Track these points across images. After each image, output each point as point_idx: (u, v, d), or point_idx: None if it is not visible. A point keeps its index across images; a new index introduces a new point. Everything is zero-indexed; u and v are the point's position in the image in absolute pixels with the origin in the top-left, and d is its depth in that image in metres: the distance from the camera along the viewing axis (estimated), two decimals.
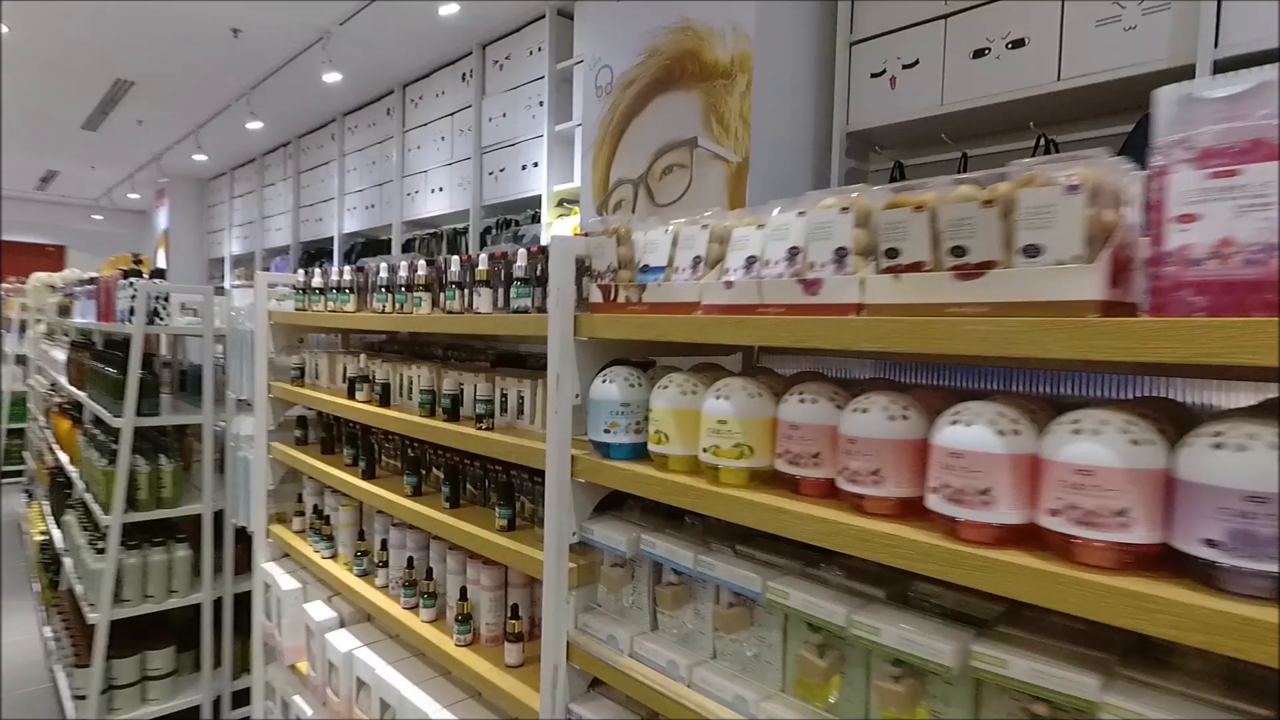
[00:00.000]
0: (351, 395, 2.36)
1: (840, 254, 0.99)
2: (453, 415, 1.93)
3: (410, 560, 2.14)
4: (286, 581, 2.66)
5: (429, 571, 2.04)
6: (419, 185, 6.09)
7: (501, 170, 5.39)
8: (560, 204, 5.02)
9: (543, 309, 1.60)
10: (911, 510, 0.97)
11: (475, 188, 5.51)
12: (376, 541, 2.31)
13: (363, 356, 2.43)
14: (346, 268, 2.43)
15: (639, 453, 1.37)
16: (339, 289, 2.46)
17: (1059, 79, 2.86)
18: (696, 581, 1.32)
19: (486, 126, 5.43)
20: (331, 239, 7.18)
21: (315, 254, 7.73)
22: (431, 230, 6.29)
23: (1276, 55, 2.34)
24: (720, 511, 1.16)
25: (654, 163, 3.73)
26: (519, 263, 1.66)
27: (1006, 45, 2.97)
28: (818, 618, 1.04)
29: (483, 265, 1.76)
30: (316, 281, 2.60)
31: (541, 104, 5.02)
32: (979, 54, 3.05)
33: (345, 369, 2.56)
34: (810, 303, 1.04)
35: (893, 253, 0.93)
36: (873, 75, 3.39)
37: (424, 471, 2.17)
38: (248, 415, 3.11)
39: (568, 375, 1.43)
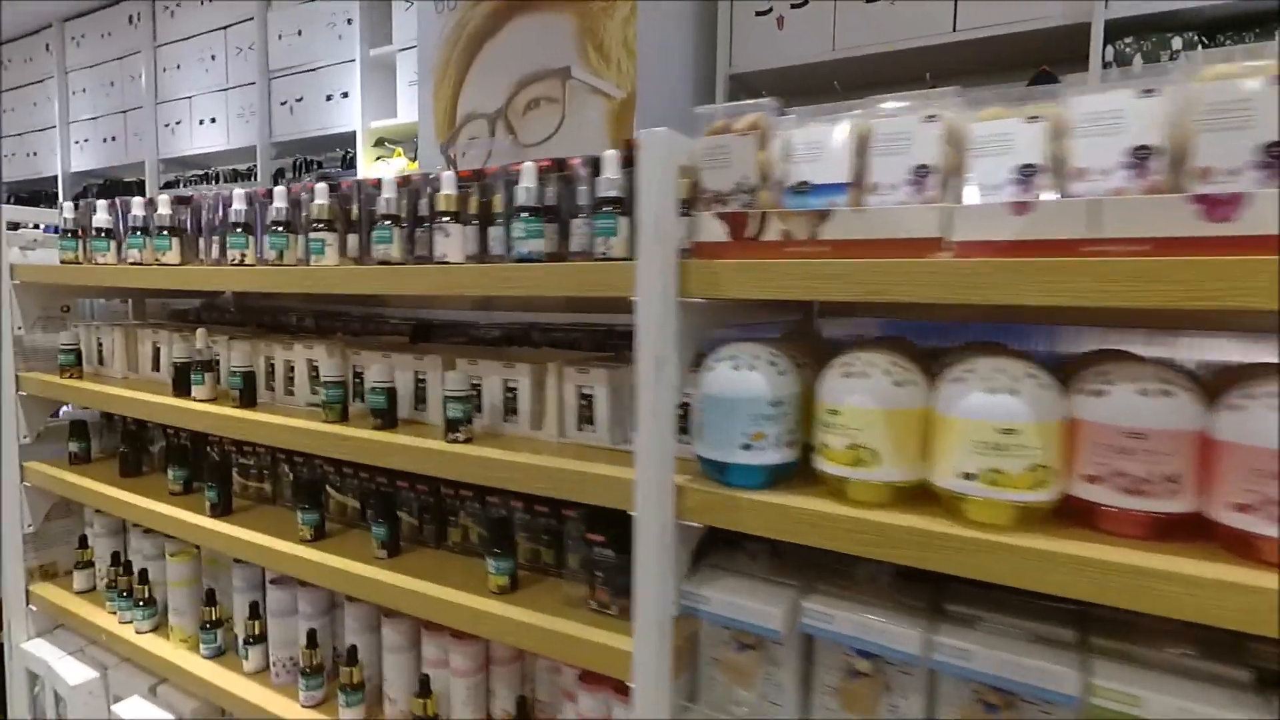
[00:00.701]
0: (184, 391, 1.62)
1: (1271, 153, 0.64)
2: (388, 420, 1.34)
3: (311, 634, 1.49)
4: (71, 669, 1.83)
5: (351, 652, 1.40)
6: (180, 115, 4.94)
7: (298, 100, 4.51)
8: (379, 143, 4.30)
9: (559, 256, 1.16)
10: None
11: (263, 120, 4.56)
12: (240, 605, 1.60)
13: (195, 333, 1.67)
14: (162, 198, 1.72)
15: (782, 476, 0.93)
16: (148, 230, 1.71)
17: (955, 30, 2.80)
18: (903, 672, 0.89)
19: (276, 45, 4.50)
20: (54, 179, 5.68)
21: (29, 198, 6.12)
22: (200, 171, 5.17)
23: (1163, 19, 2.43)
24: (1037, 578, 0.73)
25: (515, 95, 3.23)
26: (525, 183, 1.15)
27: None
28: None
29: (448, 188, 1.23)
30: (101, 221, 1.77)
31: (350, 22, 4.24)
32: None
33: (160, 350, 1.81)
34: (1216, 234, 0.65)
35: None
36: (758, 14, 3.16)
37: (323, 502, 1.52)
38: None
39: (672, 357, 0.94)
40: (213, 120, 4.79)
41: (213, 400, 1.60)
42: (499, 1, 3.25)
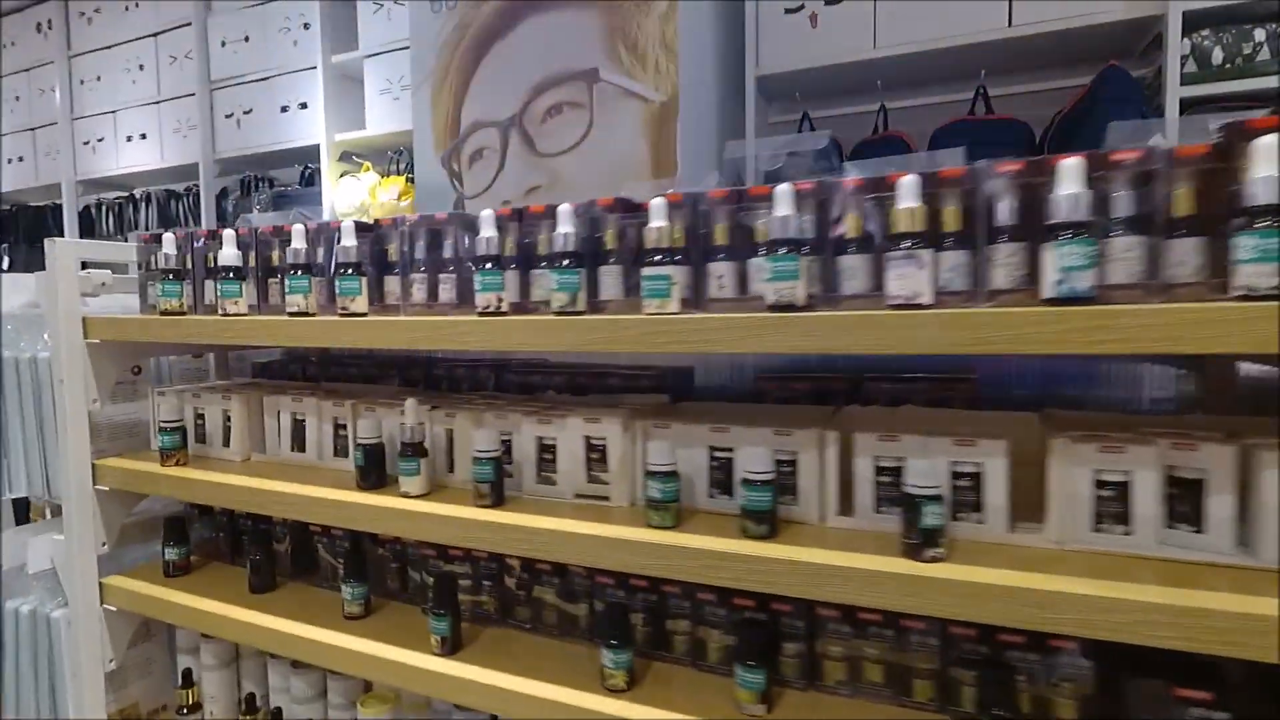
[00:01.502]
0: (374, 482, 1.26)
1: None
2: (770, 526, 0.98)
3: None
4: None
5: None
6: (102, 131, 4.35)
7: (247, 113, 4.03)
8: (345, 158, 3.90)
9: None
10: None
11: (205, 135, 4.06)
12: None
13: (376, 403, 1.35)
14: (347, 226, 1.24)
15: None
16: (310, 269, 1.28)
17: (1010, 25, 2.73)
18: None
19: (219, 53, 4.01)
20: None
21: None
22: (122, 194, 4.58)
23: (1241, 10, 2.42)
24: None
25: (532, 101, 2.95)
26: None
27: None
28: None
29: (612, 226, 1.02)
30: (229, 258, 1.35)
31: (308, 27, 3.83)
32: None
33: (304, 422, 1.42)
34: None
35: None
36: (788, 10, 3.01)
37: (633, 637, 1.11)
38: (42, 532, 1.59)
39: None
40: (143, 136, 4.23)
41: (426, 495, 1.22)
42: None
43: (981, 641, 0.97)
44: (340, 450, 1.39)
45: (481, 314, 1.09)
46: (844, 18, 2.91)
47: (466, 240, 1.17)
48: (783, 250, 0.91)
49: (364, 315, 1.21)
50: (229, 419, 1.49)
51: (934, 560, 0.89)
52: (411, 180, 3.51)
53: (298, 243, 1.27)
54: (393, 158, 3.79)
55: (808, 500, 1.04)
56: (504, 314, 1.09)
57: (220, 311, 1.35)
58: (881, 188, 0.92)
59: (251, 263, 1.39)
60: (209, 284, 1.43)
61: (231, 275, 1.34)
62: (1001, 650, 0.96)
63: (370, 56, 3.67)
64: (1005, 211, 0.89)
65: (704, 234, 1.02)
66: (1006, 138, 2.79)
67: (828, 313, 0.89)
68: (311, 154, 3.87)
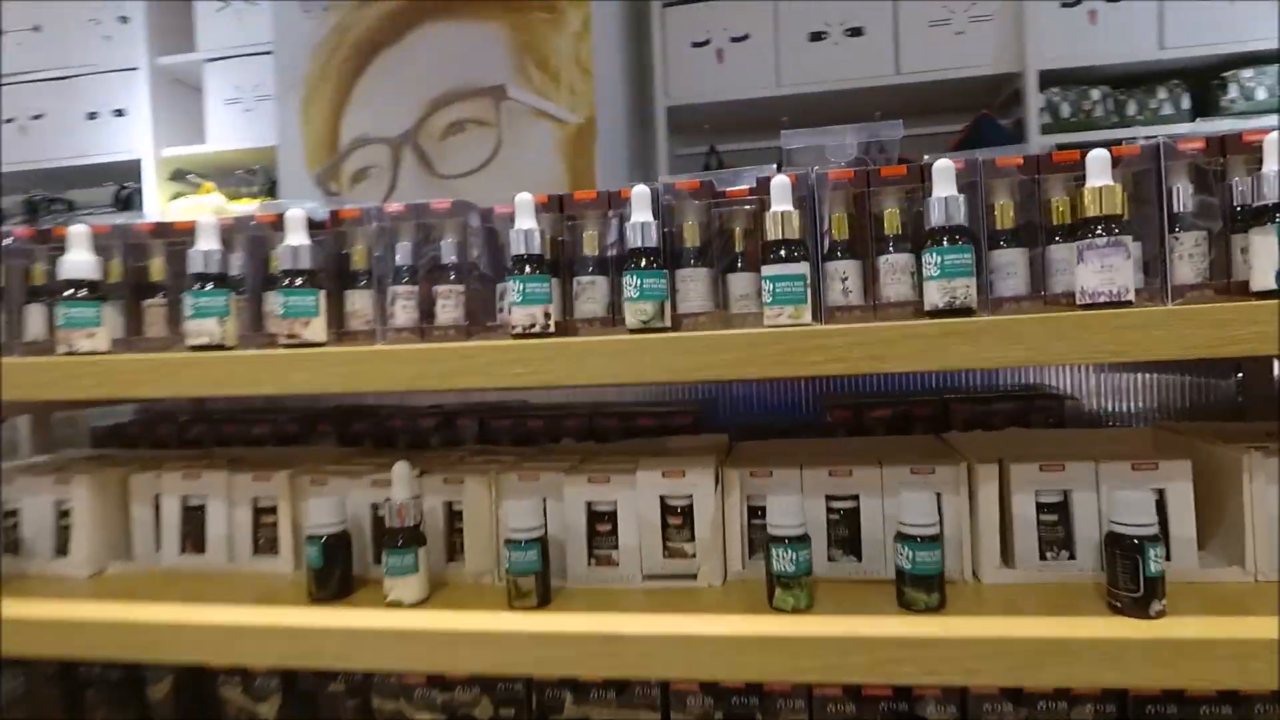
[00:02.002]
0: (334, 592, 0.89)
1: None
2: (937, 596, 0.78)
3: None
4: None
5: None
6: None
7: (37, 118, 3.36)
8: (178, 176, 3.34)
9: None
10: None
11: None
12: None
13: (360, 469, 1.00)
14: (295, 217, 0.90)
15: None
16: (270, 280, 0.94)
17: (898, 72, 2.90)
18: None
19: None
20: None
21: None
22: None
23: (1082, 73, 2.72)
24: None
25: (429, 116, 2.68)
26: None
27: (844, 32, 2.90)
28: None
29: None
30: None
31: (125, 20, 3.28)
32: (817, 37, 2.92)
33: (207, 511, 1.01)
34: None
35: None
36: (695, 44, 3.00)
37: None
38: None
39: None
40: None
41: (425, 601, 0.86)
42: (399, 2, 2.68)
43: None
44: (265, 547, 0.99)
45: (522, 335, 0.80)
46: (749, 55, 2.94)
47: (468, 239, 0.90)
48: (949, 240, 0.72)
49: (320, 345, 0.86)
50: (66, 515, 1.02)
51: (1160, 615, 0.72)
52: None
53: (206, 242, 0.87)
54: (244, 177, 3.30)
55: (954, 552, 0.84)
56: (550, 334, 0.80)
57: (64, 349, 0.88)
58: (1042, 168, 0.82)
59: (115, 275, 0.98)
60: (33, 310, 0.98)
61: (84, 294, 0.88)
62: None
63: (213, 61, 3.19)
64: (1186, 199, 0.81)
65: (824, 227, 0.82)
66: None
67: (1033, 315, 0.71)
68: (129, 171, 3.28)
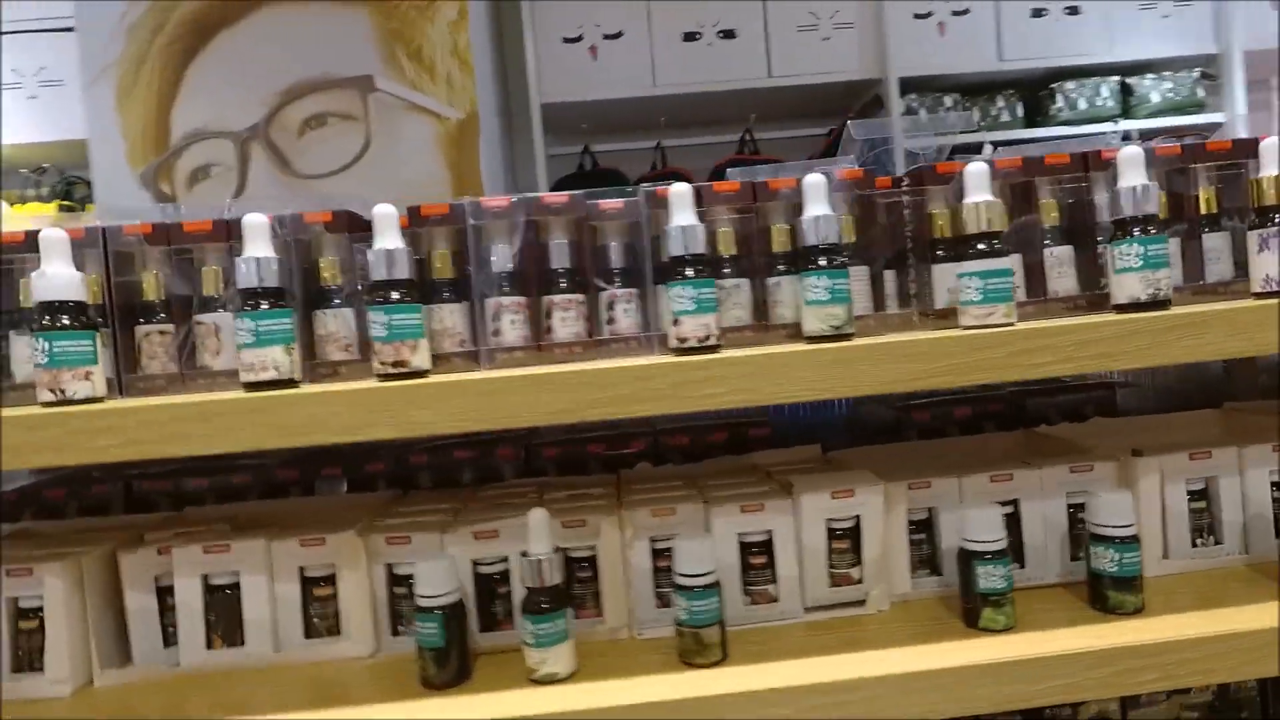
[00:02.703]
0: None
1: None
2: None
3: None
4: None
5: None
6: None
7: None
8: None
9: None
10: None
11: None
12: None
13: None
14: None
15: None
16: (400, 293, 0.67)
17: (770, 75, 2.97)
18: None
19: None
20: None
21: None
22: None
23: (935, 80, 2.92)
24: None
25: (282, 109, 2.36)
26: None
27: (718, 34, 2.93)
28: None
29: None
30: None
31: None
32: (691, 37, 2.92)
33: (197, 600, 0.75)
34: None
35: None
36: (567, 40, 2.89)
37: None
38: None
39: None
40: None
41: (573, 675, 0.69)
42: None
43: None
44: (322, 628, 0.78)
45: (690, 349, 0.67)
46: (623, 53, 2.87)
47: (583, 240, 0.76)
48: (1142, 230, 0.68)
49: (427, 372, 0.68)
50: (30, 616, 0.74)
51: None
52: (71, 207, 2.54)
53: (258, 247, 0.66)
54: (30, 177, 2.73)
55: None
56: (714, 347, 0.68)
57: (50, 395, 0.63)
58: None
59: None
60: (18, 342, 0.74)
61: (71, 321, 0.63)
62: None
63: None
64: None
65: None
66: None
67: (1248, 305, 0.68)
68: None
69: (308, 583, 0.76)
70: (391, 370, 0.62)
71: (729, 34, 2.94)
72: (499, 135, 2.64)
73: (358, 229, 0.73)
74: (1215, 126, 2.86)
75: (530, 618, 0.67)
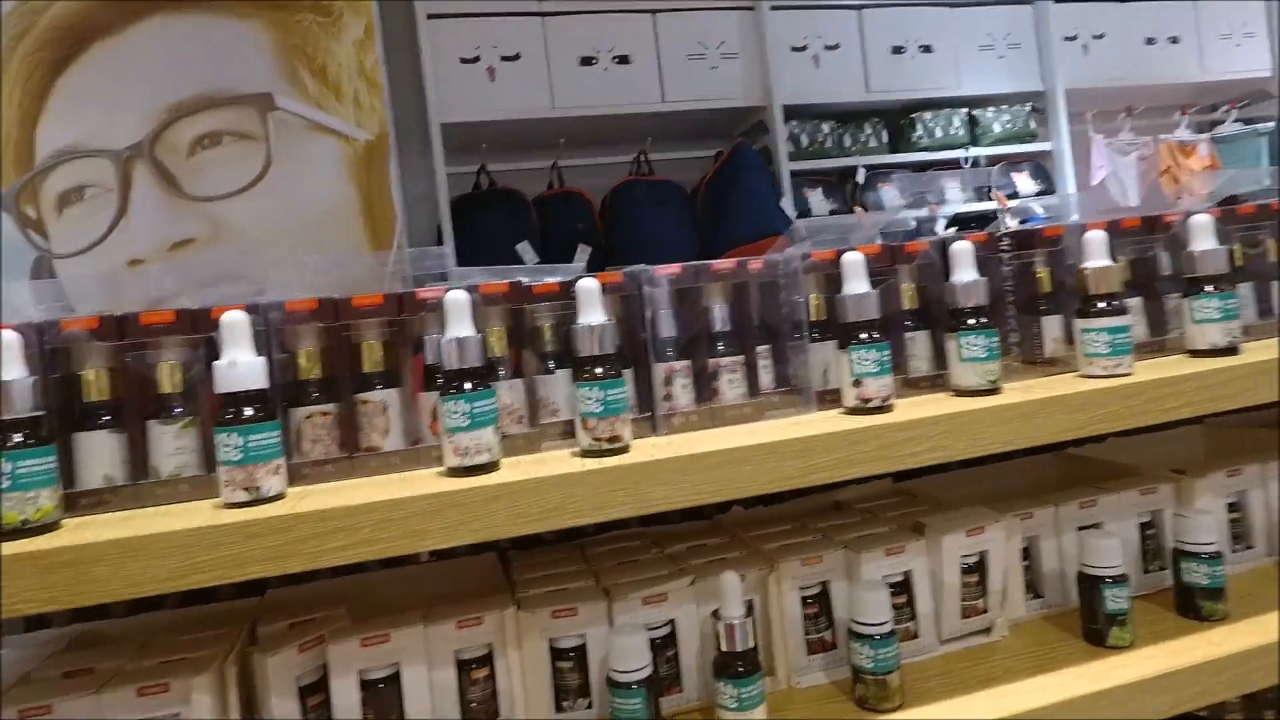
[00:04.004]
0: None
1: None
2: None
3: None
4: None
5: None
6: None
7: None
8: None
9: None
10: None
11: None
12: None
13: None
14: None
15: None
16: None
17: (663, 100, 3.09)
18: None
19: None
20: None
21: None
22: None
23: (813, 109, 3.15)
24: None
25: (169, 126, 2.18)
26: None
27: (613, 59, 3.03)
28: None
29: None
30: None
31: None
32: (587, 61, 3.00)
33: None
34: None
35: None
36: (464, 60, 2.87)
37: None
38: None
39: None
40: None
41: None
42: None
43: None
44: (480, 711, 0.74)
45: (866, 410, 0.71)
46: (521, 75, 2.88)
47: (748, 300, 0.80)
48: (1219, 287, 0.81)
49: (628, 446, 0.67)
50: None
51: None
52: None
53: (459, 325, 0.64)
54: None
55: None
56: (890, 407, 0.72)
57: (245, 492, 0.60)
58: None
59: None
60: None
61: (264, 412, 0.59)
62: None
63: None
64: None
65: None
66: (668, 196, 3.14)
67: None
68: None
69: (464, 666, 0.73)
70: (607, 446, 0.64)
71: (624, 59, 3.02)
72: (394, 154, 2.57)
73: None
74: (1045, 154, 3.29)
75: (730, 682, 0.69)
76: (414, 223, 2.81)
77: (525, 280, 0.69)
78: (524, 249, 3.00)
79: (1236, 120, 3.53)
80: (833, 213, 3.24)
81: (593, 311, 0.64)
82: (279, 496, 0.60)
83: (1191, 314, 0.83)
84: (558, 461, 0.64)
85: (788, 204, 3.12)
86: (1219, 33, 3.46)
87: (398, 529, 0.56)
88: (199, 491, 0.64)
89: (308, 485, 0.66)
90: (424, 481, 0.62)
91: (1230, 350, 0.82)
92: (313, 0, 2.26)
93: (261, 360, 0.58)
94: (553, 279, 0.70)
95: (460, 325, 0.60)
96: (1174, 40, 3.42)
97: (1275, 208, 0.93)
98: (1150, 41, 3.42)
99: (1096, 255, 0.80)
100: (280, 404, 0.64)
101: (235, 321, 0.57)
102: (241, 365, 0.56)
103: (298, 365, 0.65)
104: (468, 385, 0.60)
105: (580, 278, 0.64)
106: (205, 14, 2.20)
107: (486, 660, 0.74)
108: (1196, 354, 0.84)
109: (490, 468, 0.62)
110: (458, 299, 0.60)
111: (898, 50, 3.26)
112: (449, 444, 0.60)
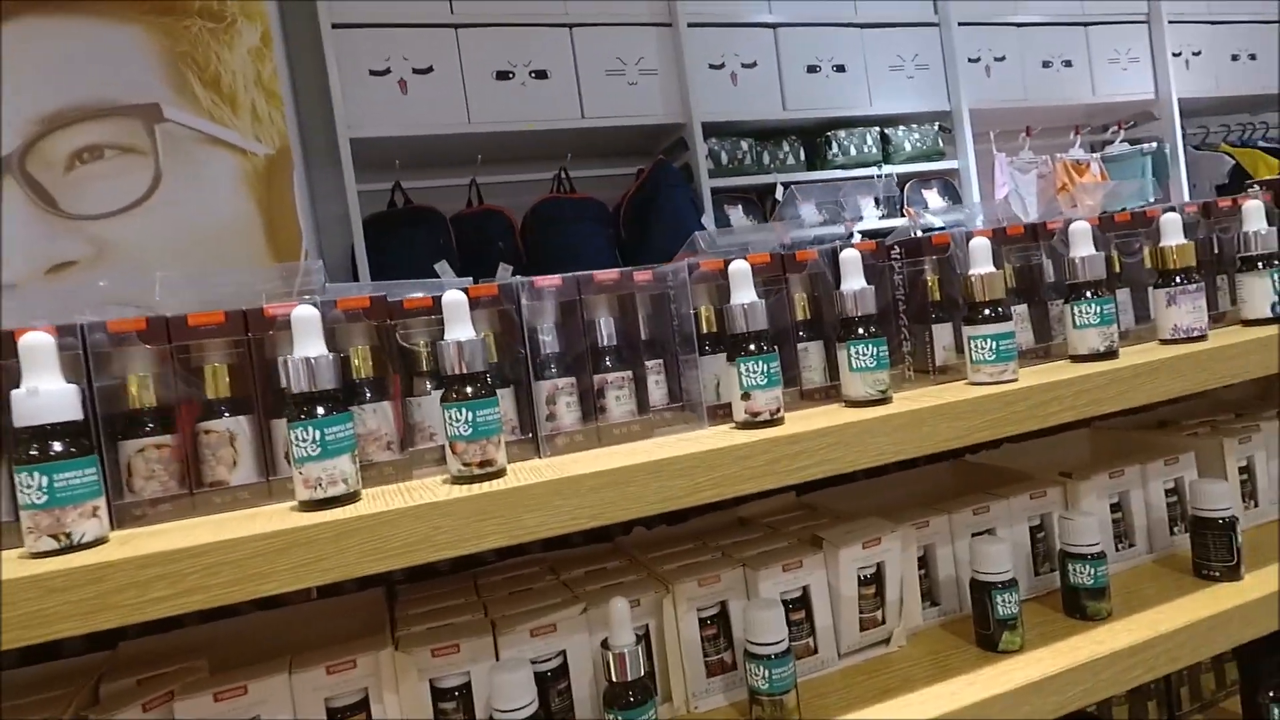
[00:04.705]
0: None
1: None
2: None
3: None
4: None
5: None
6: None
7: None
8: None
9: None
10: None
11: None
12: None
13: None
14: None
15: None
16: None
17: (583, 116, 3.07)
18: None
19: None
20: None
21: None
22: None
23: (731, 127, 3.18)
24: None
25: (42, 138, 2.04)
26: None
27: (530, 74, 3.00)
28: None
29: None
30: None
31: None
32: (504, 75, 2.95)
33: None
34: None
35: None
36: (373, 73, 2.79)
37: None
38: None
39: None
40: None
41: None
42: None
43: None
44: None
45: (752, 425, 0.68)
46: (433, 88, 2.82)
47: (637, 313, 0.77)
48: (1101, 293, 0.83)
49: (504, 471, 0.62)
50: None
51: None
52: None
53: (308, 344, 0.57)
54: None
55: None
56: (779, 420, 0.70)
57: (51, 541, 0.52)
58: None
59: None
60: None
61: (68, 447, 0.52)
62: None
63: None
64: None
65: None
66: (590, 214, 3.12)
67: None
68: None
69: (334, 715, 0.66)
70: (478, 471, 0.58)
71: (542, 74, 2.98)
72: (302, 169, 2.47)
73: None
74: (953, 171, 3.39)
75: (619, 712, 0.65)
76: (327, 242, 2.71)
77: (389, 295, 0.63)
78: (442, 268, 2.93)
79: (1124, 140, 3.73)
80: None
81: (460, 327, 0.59)
82: (97, 542, 0.52)
83: (1072, 319, 0.84)
84: (425, 490, 0.59)
85: (709, 220, 3.13)
86: (1107, 57, 3.66)
87: (233, 573, 0.49)
88: (8, 539, 0.56)
89: (142, 527, 0.58)
90: (271, 518, 0.55)
91: (1110, 354, 0.83)
92: (201, 3, 2.15)
93: (72, 388, 0.51)
94: (420, 294, 0.64)
95: (309, 343, 0.54)
96: (1068, 64, 3.59)
97: (1150, 215, 0.94)
98: (1046, 64, 3.58)
99: (981, 263, 0.80)
100: (106, 437, 0.56)
101: (36, 345, 0.49)
102: (44, 394, 0.49)
103: (127, 393, 0.57)
104: (320, 410, 0.54)
105: (447, 291, 0.59)
106: (80, 17, 2.06)
107: (362, 705, 0.68)
108: (1077, 359, 0.85)
109: (347, 499, 0.56)
110: (304, 315, 0.54)
111: (812, 69, 3.32)
112: (299, 475, 0.54)
